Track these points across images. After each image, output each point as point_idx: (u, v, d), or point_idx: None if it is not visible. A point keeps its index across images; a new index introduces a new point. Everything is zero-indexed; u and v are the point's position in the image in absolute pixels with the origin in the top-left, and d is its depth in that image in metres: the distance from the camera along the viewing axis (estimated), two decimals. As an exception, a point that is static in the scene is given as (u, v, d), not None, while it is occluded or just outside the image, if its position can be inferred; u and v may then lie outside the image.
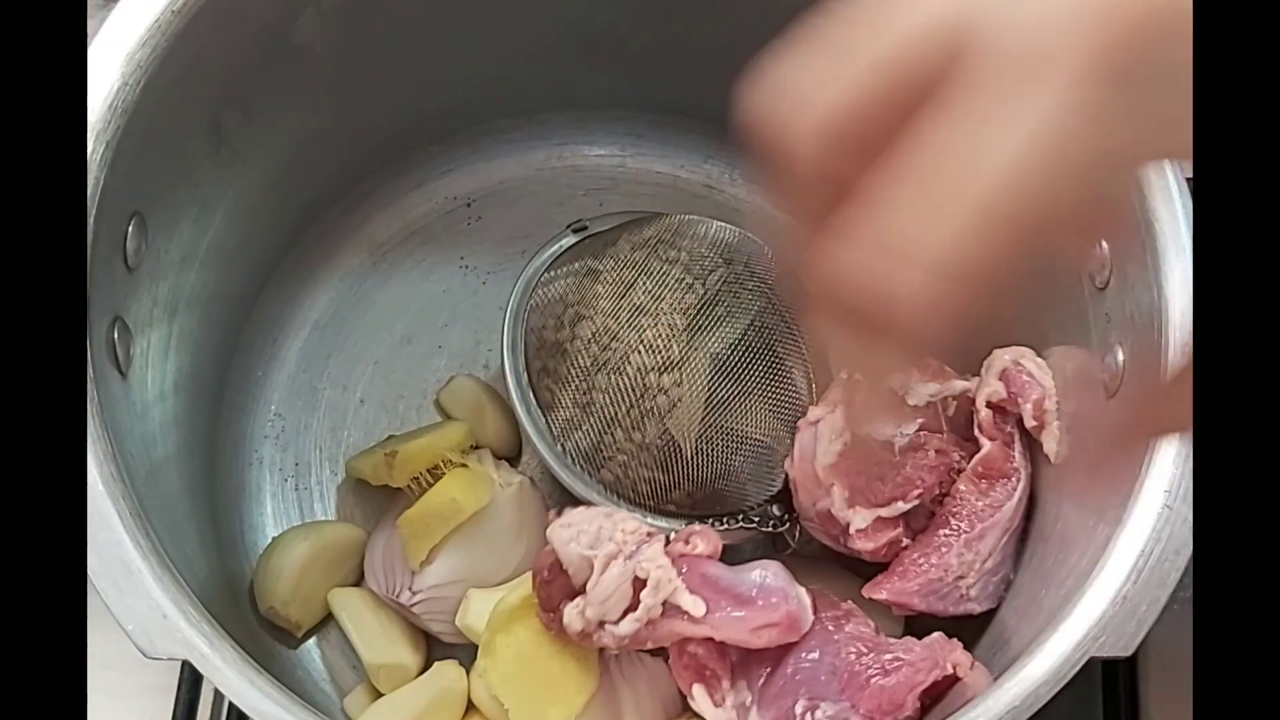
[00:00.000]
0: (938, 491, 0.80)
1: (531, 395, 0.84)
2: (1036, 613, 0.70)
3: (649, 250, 0.84)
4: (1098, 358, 0.72)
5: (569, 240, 0.89)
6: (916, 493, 0.79)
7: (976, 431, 0.80)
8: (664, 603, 0.72)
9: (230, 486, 0.87)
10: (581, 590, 0.73)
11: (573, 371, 0.82)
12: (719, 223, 0.88)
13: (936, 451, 0.80)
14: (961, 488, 0.79)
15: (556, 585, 0.74)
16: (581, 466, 0.83)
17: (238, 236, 0.84)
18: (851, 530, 0.79)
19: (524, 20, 0.87)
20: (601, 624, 0.72)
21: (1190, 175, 0.63)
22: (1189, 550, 0.63)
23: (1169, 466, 0.64)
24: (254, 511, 0.90)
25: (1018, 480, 0.78)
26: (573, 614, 0.73)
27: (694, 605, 0.72)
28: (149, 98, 0.69)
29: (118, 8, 0.69)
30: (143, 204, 0.71)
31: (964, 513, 0.78)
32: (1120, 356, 0.70)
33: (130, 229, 0.70)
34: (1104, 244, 0.71)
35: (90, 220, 0.65)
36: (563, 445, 0.83)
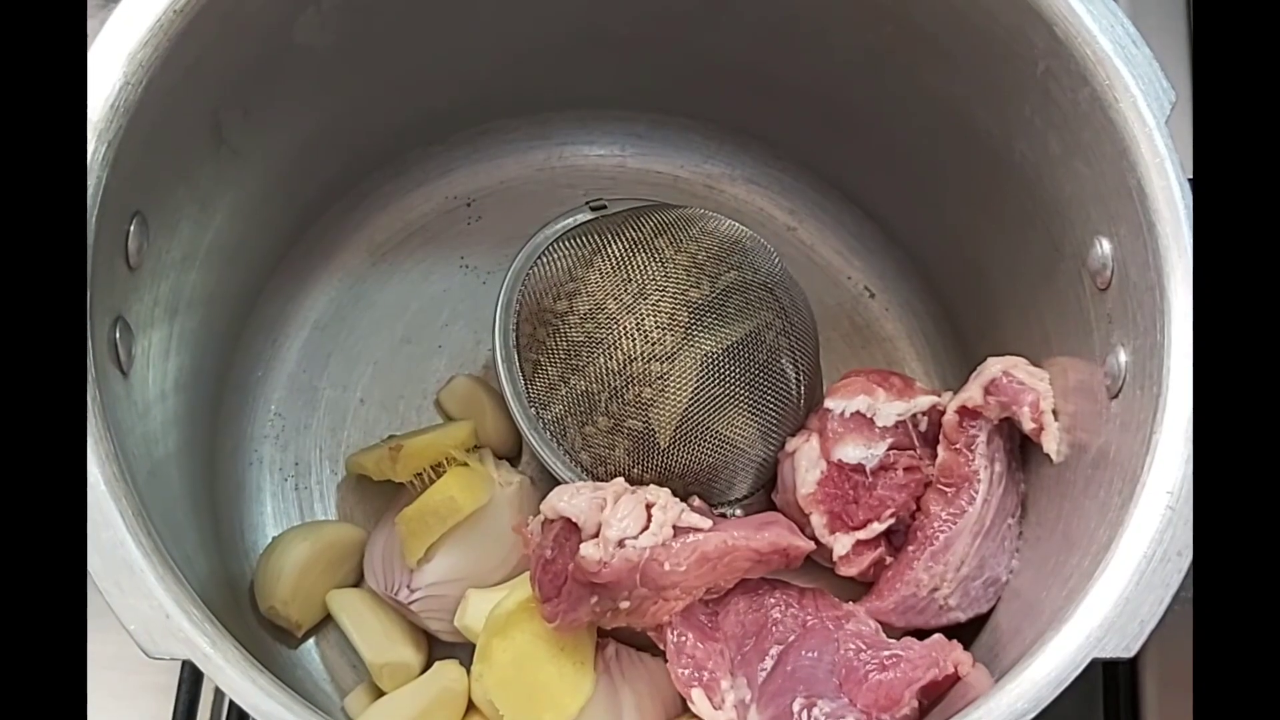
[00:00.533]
0: (914, 507, 0.80)
1: (516, 359, 0.84)
2: (1039, 614, 0.70)
3: (665, 238, 0.83)
4: (1098, 361, 0.72)
5: (584, 216, 0.89)
6: (890, 512, 0.80)
7: (941, 435, 0.80)
8: (674, 527, 0.75)
9: (230, 486, 0.86)
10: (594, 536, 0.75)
11: (561, 344, 0.82)
12: (739, 225, 0.88)
13: (906, 469, 0.81)
14: (927, 497, 0.80)
15: (566, 551, 0.75)
16: (558, 444, 0.83)
17: (238, 236, 0.84)
18: (834, 557, 0.80)
19: (524, 20, 0.87)
20: (621, 543, 0.74)
21: (1191, 175, 0.63)
22: (1191, 551, 0.63)
23: (1171, 467, 0.64)
24: (254, 511, 0.90)
25: (979, 483, 0.78)
26: (590, 547, 0.74)
27: (701, 521, 0.76)
28: (151, 97, 0.68)
29: (119, 7, 0.69)
30: (144, 203, 0.71)
31: (928, 525, 0.79)
32: (1122, 358, 0.70)
33: (132, 228, 0.70)
34: (1105, 244, 0.71)
35: (92, 220, 0.65)
36: (540, 416, 0.83)
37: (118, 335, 0.69)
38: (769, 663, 0.75)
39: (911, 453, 0.81)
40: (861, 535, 0.79)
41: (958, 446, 0.79)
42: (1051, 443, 0.77)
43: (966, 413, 0.79)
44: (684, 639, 0.75)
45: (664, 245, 0.83)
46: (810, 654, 0.75)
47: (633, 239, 0.83)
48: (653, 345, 0.80)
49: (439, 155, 0.98)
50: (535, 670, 0.77)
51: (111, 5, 0.69)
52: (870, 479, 0.80)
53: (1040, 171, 0.76)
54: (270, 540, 0.87)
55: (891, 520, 0.80)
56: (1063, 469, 0.76)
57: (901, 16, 0.79)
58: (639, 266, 0.82)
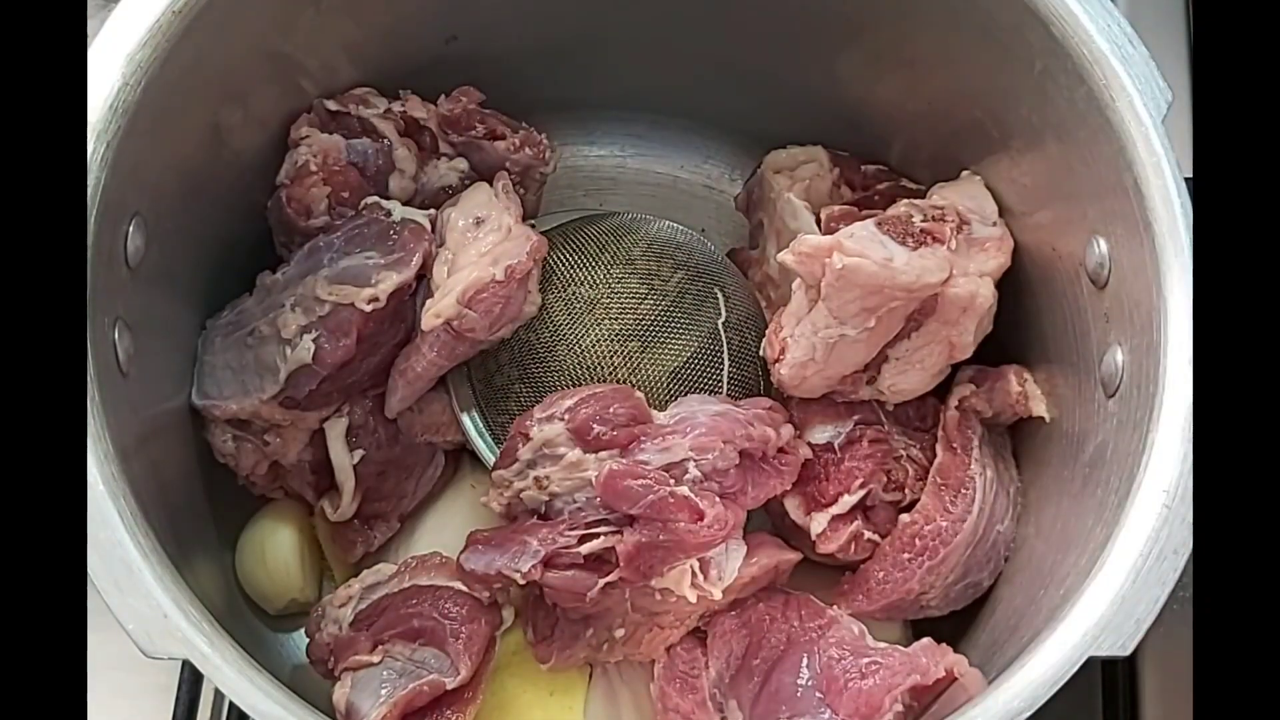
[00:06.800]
0: (885, 480, 0.80)
1: (477, 402, 0.85)
2: (1035, 612, 0.70)
3: (600, 253, 0.84)
4: (1095, 360, 0.72)
5: None
6: (859, 483, 0.80)
7: (940, 431, 0.81)
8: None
9: (230, 485, 0.86)
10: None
11: (513, 383, 0.83)
12: (670, 223, 0.88)
13: (871, 441, 0.81)
14: (925, 501, 0.79)
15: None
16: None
17: (238, 236, 0.84)
18: (813, 536, 0.80)
19: (523, 21, 0.88)
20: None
21: (1188, 175, 0.63)
22: (1188, 550, 0.63)
23: (1168, 465, 0.64)
24: (254, 510, 0.90)
25: (975, 491, 0.78)
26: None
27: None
28: (149, 98, 0.69)
29: (118, 8, 0.69)
30: (143, 204, 0.71)
31: (928, 532, 0.78)
32: (1119, 356, 0.70)
33: (131, 229, 0.70)
34: (1102, 243, 0.71)
35: (91, 220, 0.66)
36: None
37: (117, 335, 0.69)
38: (757, 681, 0.76)
39: (878, 427, 0.81)
40: (835, 510, 0.79)
41: (955, 447, 0.79)
42: (1040, 406, 0.78)
43: (965, 410, 0.80)
44: (669, 696, 0.75)
45: (611, 263, 0.83)
46: (793, 670, 0.75)
47: (573, 262, 0.83)
48: (605, 373, 0.81)
49: (440, 155, 0.98)
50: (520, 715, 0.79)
51: (111, 5, 0.69)
52: (838, 454, 0.81)
53: (1037, 171, 0.76)
54: (240, 544, 0.87)
55: (863, 492, 0.80)
56: (1060, 468, 0.76)
57: (900, 17, 0.79)
58: (582, 293, 0.82)
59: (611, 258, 0.83)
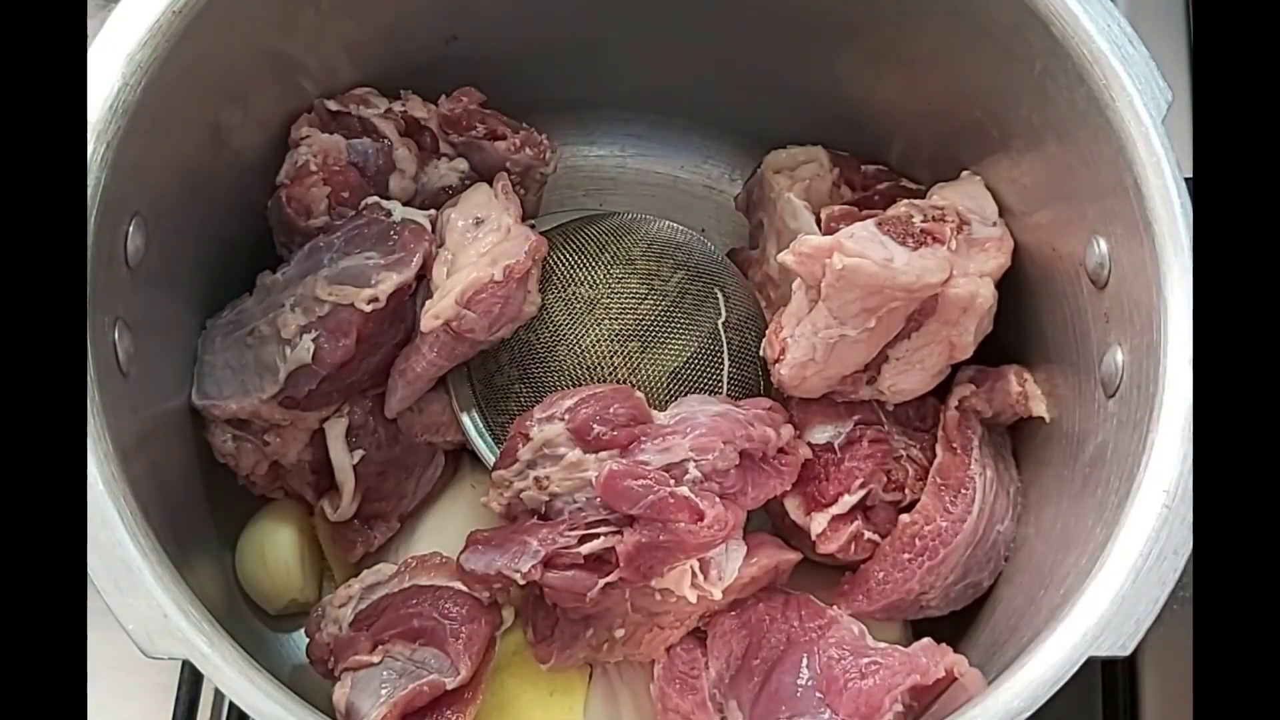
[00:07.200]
0: (885, 480, 0.80)
1: (477, 403, 0.85)
2: (1035, 612, 0.70)
3: (600, 253, 0.84)
4: (1095, 360, 0.72)
5: None
6: (859, 483, 0.80)
7: (940, 431, 0.81)
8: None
9: (230, 485, 0.86)
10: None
11: (513, 383, 0.83)
12: (670, 223, 0.88)
13: (871, 441, 0.81)
14: (925, 501, 0.79)
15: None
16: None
17: (238, 236, 0.84)
18: (813, 536, 0.80)
19: (523, 21, 0.88)
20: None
21: (1188, 175, 0.63)
22: (1188, 550, 0.63)
23: (1168, 465, 0.64)
24: (254, 510, 0.90)
25: (975, 491, 0.78)
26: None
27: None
28: (149, 98, 0.69)
29: (118, 8, 0.69)
30: (143, 204, 0.71)
31: (928, 532, 0.78)
32: (1119, 356, 0.70)
33: (131, 229, 0.70)
34: (1102, 243, 0.71)
35: (91, 220, 0.66)
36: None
37: (117, 335, 0.69)
38: (756, 682, 0.76)
39: (878, 427, 0.81)
40: (835, 510, 0.79)
41: (955, 447, 0.79)
42: (1040, 406, 0.78)
43: (965, 410, 0.80)
44: (669, 696, 0.75)
45: (607, 263, 0.83)
46: (793, 670, 0.75)
47: (572, 262, 0.83)
48: (604, 374, 0.81)
49: (439, 155, 0.98)
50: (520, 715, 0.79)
51: (111, 5, 0.69)
52: (838, 454, 0.81)
53: (1037, 171, 0.76)
54: (240, 544, 0.87)
55: (863, 492, 0.80)
56: (1060, 468, 0.76)
57: (900, 17, 0.79)
58: (582, 294, 0.82)
59: (611, 258, 0.83)
